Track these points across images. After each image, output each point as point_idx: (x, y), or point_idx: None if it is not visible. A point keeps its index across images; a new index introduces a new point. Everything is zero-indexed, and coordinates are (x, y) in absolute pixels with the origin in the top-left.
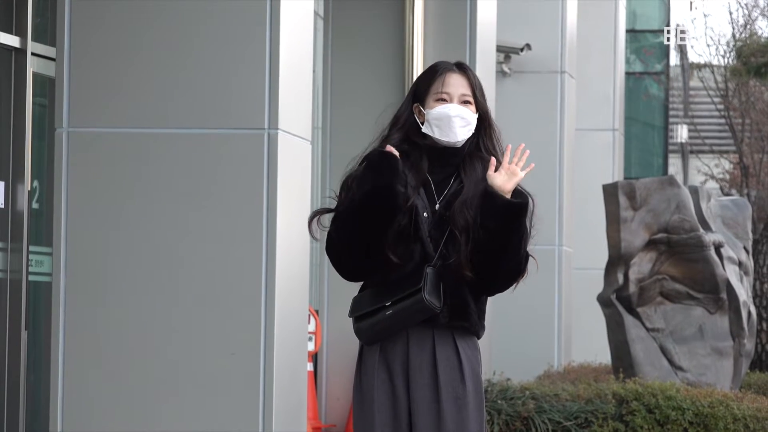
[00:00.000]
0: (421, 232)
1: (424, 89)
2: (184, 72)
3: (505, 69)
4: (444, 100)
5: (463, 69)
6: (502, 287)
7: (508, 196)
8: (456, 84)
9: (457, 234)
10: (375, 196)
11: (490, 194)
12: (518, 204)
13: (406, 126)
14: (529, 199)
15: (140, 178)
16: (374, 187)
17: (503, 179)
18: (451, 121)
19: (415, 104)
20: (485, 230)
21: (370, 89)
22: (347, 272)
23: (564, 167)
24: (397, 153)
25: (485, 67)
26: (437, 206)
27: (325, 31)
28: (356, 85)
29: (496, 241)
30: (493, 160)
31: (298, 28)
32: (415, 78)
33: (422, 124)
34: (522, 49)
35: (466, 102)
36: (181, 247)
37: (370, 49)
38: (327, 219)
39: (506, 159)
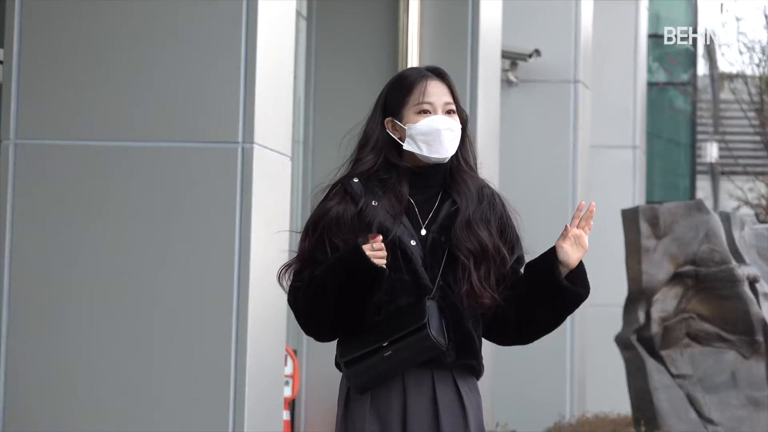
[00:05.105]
0: (414, 262)
1: (398, 101)
2: (148, 79)
3: (511, 77)
4: (427, 112)
5: (442, 75)
6: (525, 342)
7: (571, 268)
8: (438, 92)
9: (463, 259)
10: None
11: (558, 283)
12: (583, 294)
13: (379, 145)
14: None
15: (97, 197)
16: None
17: (572, 251)
18: (441, 135)
19: (388, 119)
20: (537, 304)
21: (359, 99)
22: (317, 335)
23: (577, 189)
24: (384, 254)
25: (489, 76)
26: (423, 231)
27: (308, 34)
28: (343, 95)
29: (548, 317)
30: (568, 226)
31: (277, 31)
32: None
33: (401, 140)
34: (530, 56)
35: (450, 112)
36: (141, 275)
37: (360, 53)
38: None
39: (574, 222)
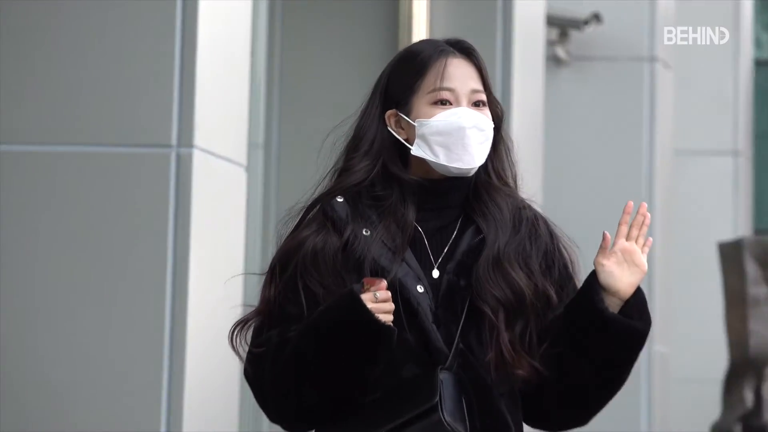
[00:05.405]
0: (421, 317)
1: (405, 87)
2: (62, 71)
3: (561, 53)
4: (447, 102)
5: (468, 51)
6: (579, 423)
7: (623, 297)
8: (462, 75)
9: (490, 313)
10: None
11: (600, 312)
12: (639, 328)
13: (376, 149)
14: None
15: (10, 204)
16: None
17: (620, 272)
18: (466, 136)
19: (390, 111)
20: (583, 357)
21: (342, 87)
22: (287, 423)
23: (654, 211)
24: (391, 307)
25: (528, 51)
26: (436, 272)
27: None
28: (320, 81)
29: (598, 373)
30: (607, 235)
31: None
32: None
33: (409, 142)
34: (587, 23)
35: (478, 103)
36: (48, 319)
37: (343, 22)
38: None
39: (621, 231)
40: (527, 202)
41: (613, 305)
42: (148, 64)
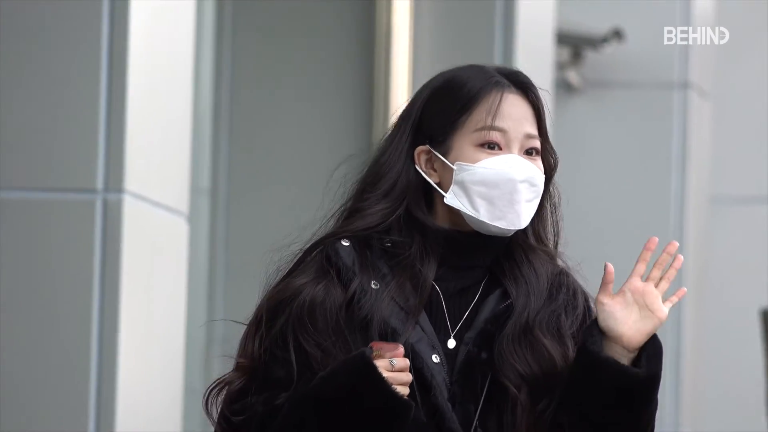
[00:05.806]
0: (435, 393)
1: (446, 120)
2: None
3: (573, 78)
4: (496, 146)
5: (526, 87)
6: None
7: (635, 346)
8: (518, 115)
9: (513, 390)
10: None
11: (600, 361)
12: (652, 377)
13: (400, 189)
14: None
15: None
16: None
17: (625, 316)
18: (516, 191)
19: (421, 147)
20: (592, 414)
21: (305, 119)
22: None
23: (686, 269)
24: (409, 378)
25: (533, 75)
26: (452, 341)
27: (219, 6)
28: (277, 112)
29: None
30: (609, 268)
31: (165, 13)
32: (410, 91)
33: (441, 187)
34: (606, 40)
35: (531, 151)
36: None
37: (307, 35)
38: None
39: (638, 269)
40: (565, 267)
41: (618, 354)
42: (68, 90)
